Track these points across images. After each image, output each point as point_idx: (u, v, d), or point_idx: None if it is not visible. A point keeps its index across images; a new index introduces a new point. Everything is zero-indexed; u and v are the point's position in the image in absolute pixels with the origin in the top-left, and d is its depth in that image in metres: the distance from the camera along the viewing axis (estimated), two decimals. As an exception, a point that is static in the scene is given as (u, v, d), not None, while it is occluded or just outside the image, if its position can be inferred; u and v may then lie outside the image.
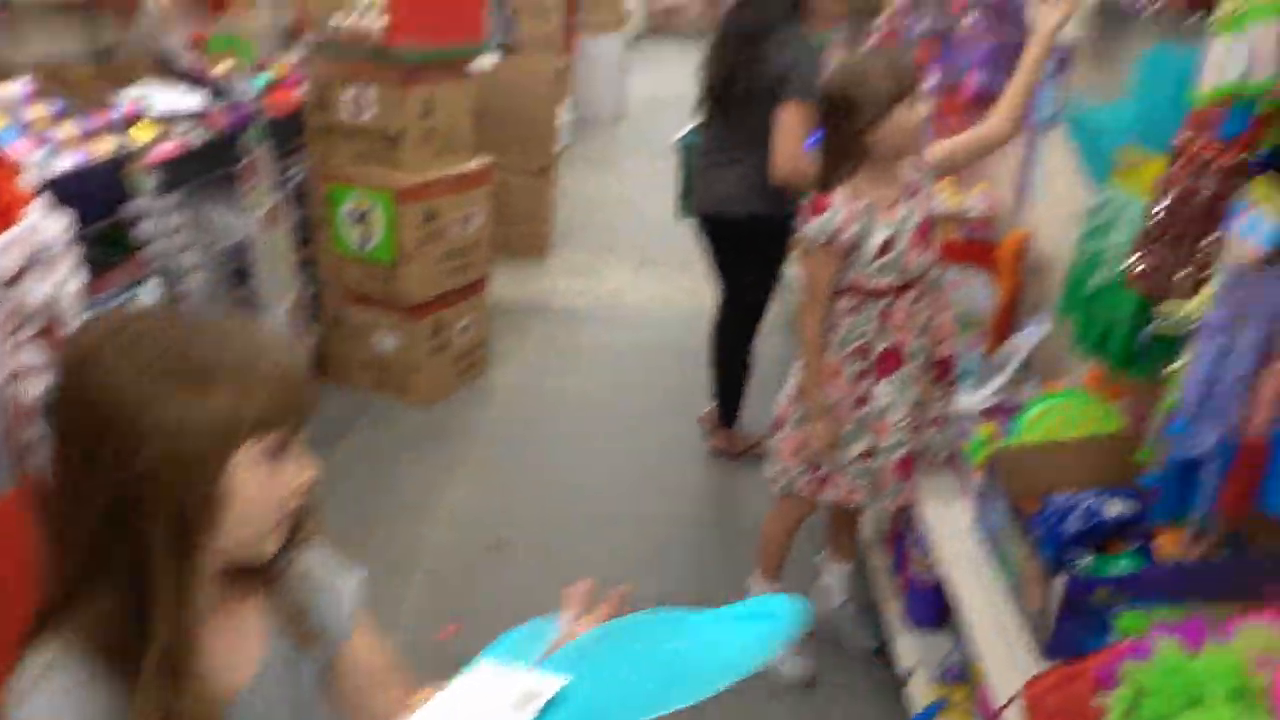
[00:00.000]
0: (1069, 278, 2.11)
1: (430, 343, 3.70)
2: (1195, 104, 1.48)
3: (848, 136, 1.95)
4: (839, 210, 1.96)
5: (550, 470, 3.37)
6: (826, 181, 2.03)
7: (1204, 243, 1.63)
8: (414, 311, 3.62)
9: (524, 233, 5.39)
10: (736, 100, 2.72)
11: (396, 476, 3.28)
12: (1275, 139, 1.45)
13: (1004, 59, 2.97)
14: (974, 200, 3.13)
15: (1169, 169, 1.71)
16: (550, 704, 0.80)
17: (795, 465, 2.19)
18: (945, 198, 3.12)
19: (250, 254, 3.13)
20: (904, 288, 2.04)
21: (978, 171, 3.41)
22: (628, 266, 5.44)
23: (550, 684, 0.82)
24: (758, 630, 0.88)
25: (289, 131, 3.49)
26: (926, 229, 2.04)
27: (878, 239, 1.97)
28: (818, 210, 1.98)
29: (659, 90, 11.25)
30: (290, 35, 4.14)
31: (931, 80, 3.39)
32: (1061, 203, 2.55)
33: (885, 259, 1.99)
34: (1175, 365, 1.59)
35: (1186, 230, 1.66)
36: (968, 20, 3.01)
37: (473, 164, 3.73)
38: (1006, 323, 2.66)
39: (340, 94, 3.46)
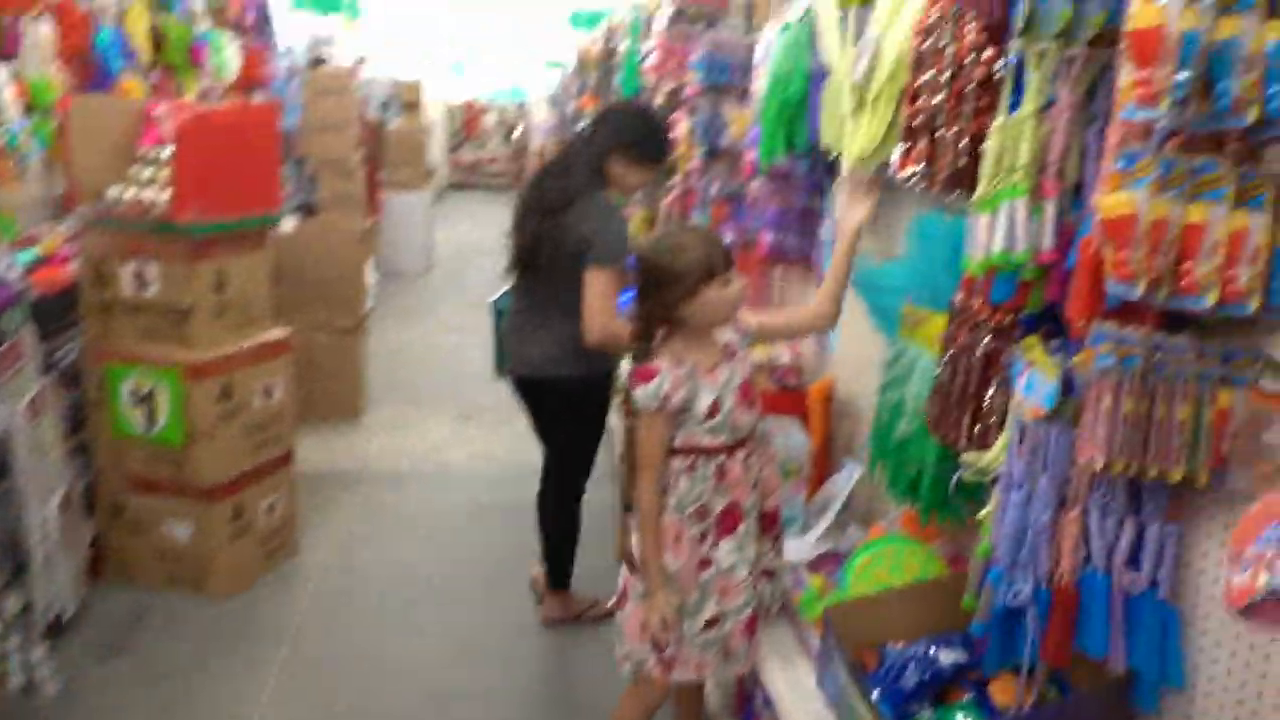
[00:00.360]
0: (875, 427, 2.21)
1: (230, 527, 3.40)
2: (968, 270, 1.61)
3: (664, 306, 2.00)
4: (665, 377, 1.99)
5: (374, 654, 3.10)
6: (645, 348, 2.05)
7: (988, 395, 1.74)
8: (210, 494, 3.32)
9: (335, 394, 5.17)
10: (543, 266, 2.75)
11: (192, 690, 2.90)
12: (1037, 303, 1.59)
13: (791, 220, 3.20)
14: (780, 350, 3.28)
15: (949, 327, 1.84)
16: None
17: (641, 646, 2.11)
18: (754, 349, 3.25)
19: (10, 446, 2.78)
20: (735, 445, 2.07)
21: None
22: (447, 421, 5.30)
23: None
24: None
25: (59, 309, 3.20)
26: (749, 388, 2.10)
27: (705, 401, 2.01)
28: (644, 379, 1.99)
29: (466, 240, 11.39)
30: (61, 207, 3.86)
31: (727, 239, 3.59)
32: (861, 351, 2.71)
33: (714, 420, 2.03)
34: (983, 512, 1.67)
35: (970, 383, 1.78)
36: (756, 184, 3.23)
37: (273, 333, 3.55)
38: (822, 467, 2.75)
39: (120, 269, 3.23)
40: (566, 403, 2.90)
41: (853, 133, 2.10)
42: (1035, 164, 1.50)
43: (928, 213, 2.14)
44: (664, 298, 1.99)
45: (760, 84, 2.59)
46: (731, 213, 3.72)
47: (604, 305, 2.64)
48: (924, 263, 2.14)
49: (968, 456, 1.72)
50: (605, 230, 2.64)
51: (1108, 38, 1.45)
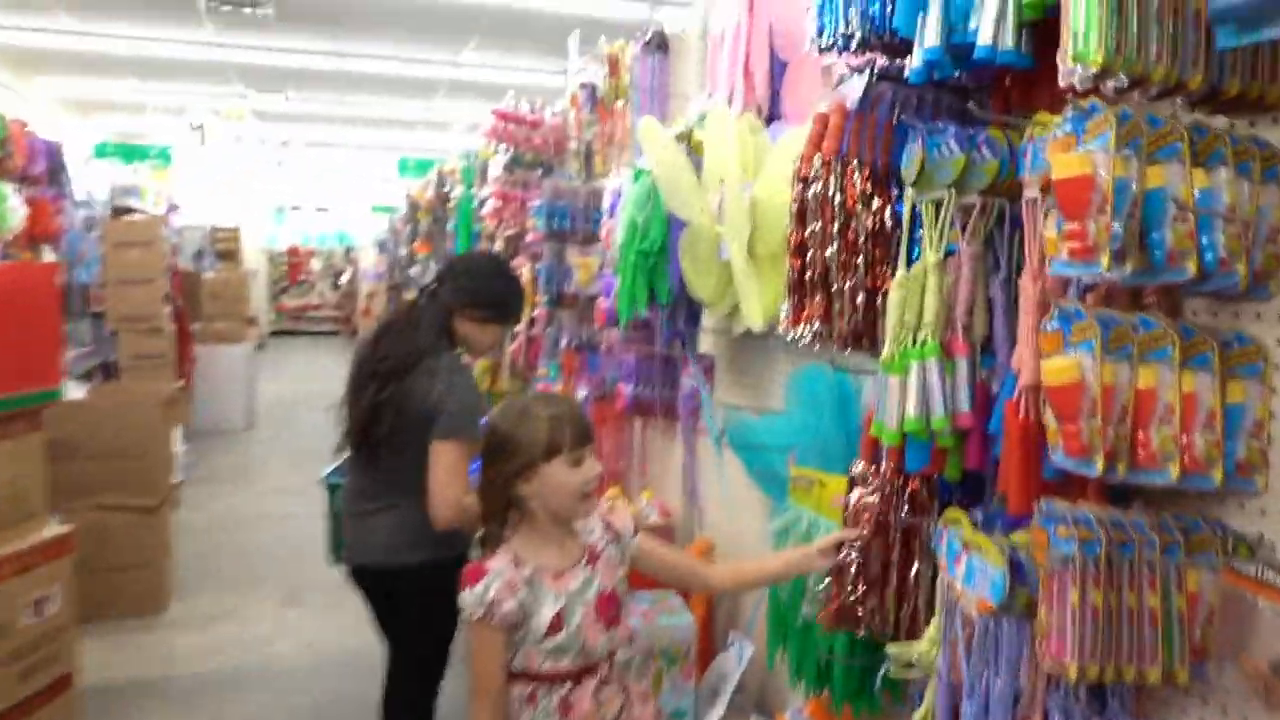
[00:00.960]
0: (772, 606, 1.97)
1: (-12, 780, 2.71)
2: (878, 436, 1.43)
3: (501, 481, 1.68)
4: (495, 579, 1.62)
5: None
6: (495, 532, 1.75)
7: (910, 574, 1.55)
8: (-40, 742, 2.65)
9: (134, 586, 4.45)
10: (384, 440, 2.40)
11: None
12: (955, 472, 1.43)
13: (652, 371, 3.02)
14: (646, 507, 3.04)
15: (853, 498, 1.65)
16: None
17: None
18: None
19: None
20: (584, 671, 1.68)
21: (644, 478, 3.37)
22: (272, 606, 4.66)
23: None
24: None
25: None
26: (610, 603, 1.71)
27: (545, 614, 1.63)
28: (470, 580, 1.64)
29: (293, 392, 10.67)
30: None
31: (581, 392, 3.37)
32: (740, 505, 2.51)
33: (556, 639, 1.63)
34: (920, 715, 1.44)
35: (889, 562, 1.58)
36: (611, 334, 3.06)
37: (51, 529, 2.98)
38: (707, 644, 2.47)
39: None
40: (416, 594, 2.51)
41: (752, 294, 1.94)
42: (941, 319, 1.36)
43: (808, 366, 2.00)
44: (501, 471, 1.67)
45: (615, 232, 2.43)
46: (584, 363, 3.52)
47: (454, 480, 2.33)
48: (809, 419, 1.98)
49: (894, 648, 1.51)
50: (454, 395, 2.35)
51: (1001, 186, 1.36)
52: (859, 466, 1.66)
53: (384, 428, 2.37)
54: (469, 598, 1.64)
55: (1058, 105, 1.34)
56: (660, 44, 3.05)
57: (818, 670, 1.85)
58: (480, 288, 2.52)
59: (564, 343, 3.67)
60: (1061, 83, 1.09)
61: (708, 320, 2.55)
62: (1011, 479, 1.24)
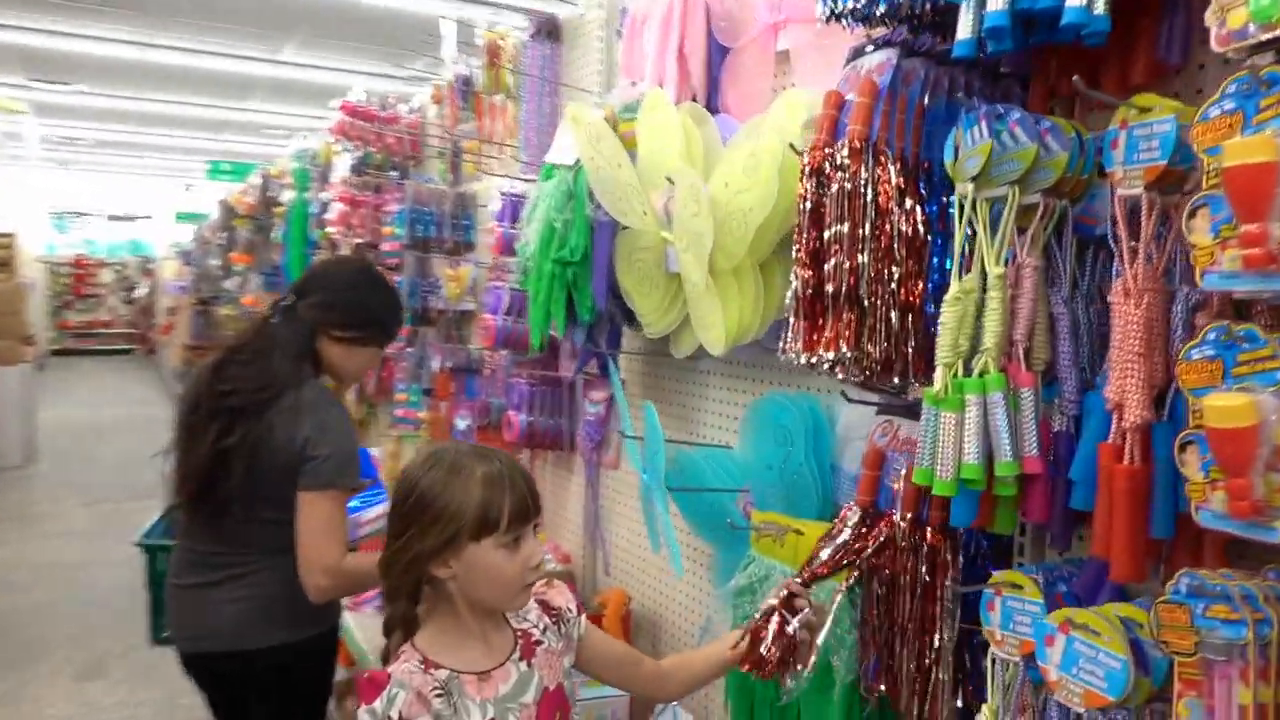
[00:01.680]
0: (732, 678, 1.68)
1: None
2: (925, 485, 1.17)
3: (409, 559, 1.28)
4: (399, 693, 1.23)
5: None
6: (391, 618, 1.35)
7: (940, 640, 1.30)
8: None
9: (-122, 670, 3.60)
10: (234, 495, 1.92)
11: None
12: (1008, 525, 1.20)
13: (550, 398, 2.68)
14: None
15: (868, 548, 1.39)
16: None
17: None
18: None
19: None
20: None
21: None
22: (65, 683, 3.91)
23: None
24: None
25: None
26: (554, 704, 1.35)
27: None
28: (369, 692, 1.24)
29: (82, 420, 9.41)
30: None
31: (463, 420, 2.97)
32: (662, 561, 2.22)
33: None
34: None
35: (910, 623, 1.33)
36: (497, 357, 2.69)
37: None
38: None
39: None
40: (273, 685, 2.03)
41: (713, 313, 1.64)
42: (1002, 343, 1.12)
43: (770, 394, 1.73)
44: (412, 543, 1.26)
45: (526, 239, 2.08)
46: (461, 387, 3.12)
47: (332, 540, 1.89)
48: (773, 455, 1.71)
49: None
50: (327, 436, 1.92)
51: (1065, 184, 1.13)
52: (853, 513, 1.40)
53: (233, 480, 1.90)
54: (367, 717, 1.24)
55: (1127, 87, 1.16)
56: (551, 31, 2.72)
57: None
58: (350, 302, 2.09)
59: (436, 364, 3.24)
60: (1217, 46, 0.87)
61: (630, 341, 2.24)
62: (1115, 539, 1.01)
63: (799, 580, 1.43)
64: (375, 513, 2.34)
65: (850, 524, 1.42)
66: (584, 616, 1.45)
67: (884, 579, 1.36)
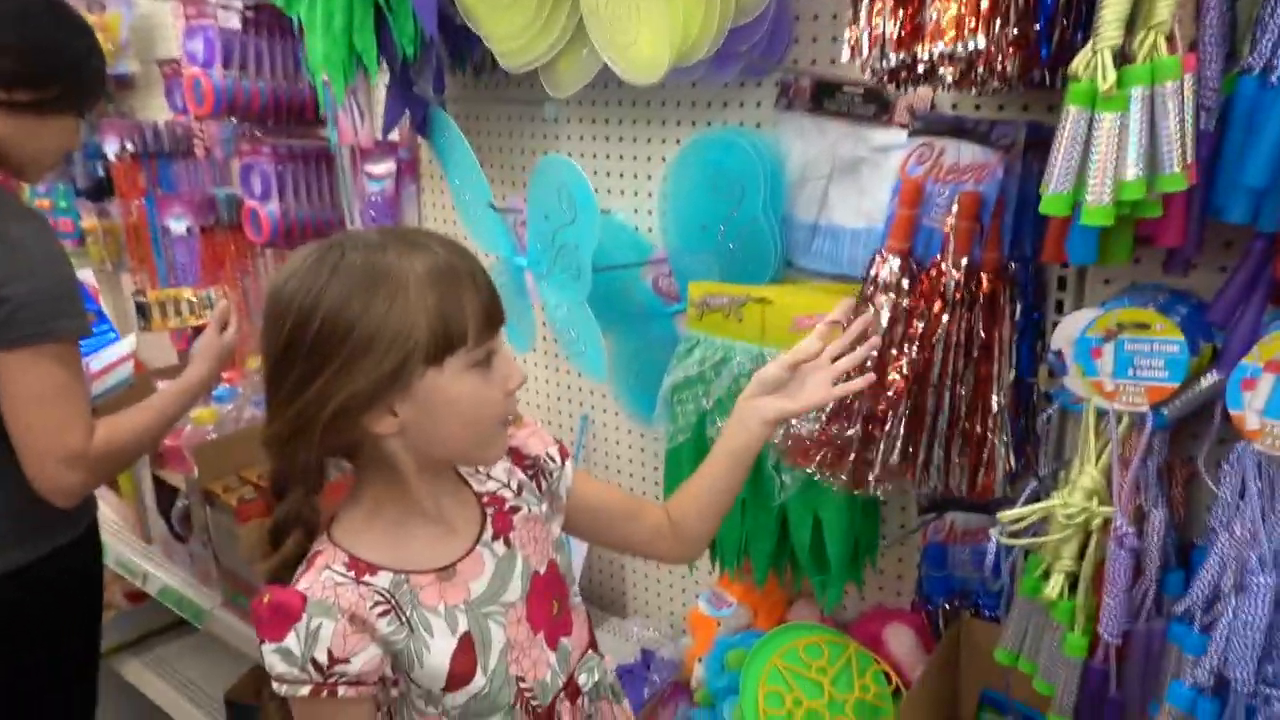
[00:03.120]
0: (673, 460, 1.40)
1: None
2: (1058, 213, 0.90)
3: (321, 420, 0.81)
4: (324, 614, 0.82)
5: None
6: (284, 518, 0.88)
7: (999, 401, 1.10)
8: None
9: None
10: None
11: None
12: (1124, 255, 0.98)
13: (301, 181, 2.06)
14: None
15: (884, 308, 1.12)
16: None
17: None
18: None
19: None
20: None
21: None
22: None
23: None
24: None
25: None
26: (550, 592, 0.98)
27: (441, 652, 0.87)
28: (277, 624, 0.82)
29: None
30: None
31: (179, 220, 2.22)
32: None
33: (471, 688, 0.88)
34: (1066, 598, 1.05)
35: (963, 387, 1.11)
36: (212, 128, 1.97)
37: None
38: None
39: None
40: (7, 622, 1.42)
41: (652, 11, 1.17)
42: (1173, 14, 0.84)
43: (708, 134, 1.34)
44: (333, 394, 0.80)
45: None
46: (155, 177, 2.32)
47: (67, 413, 1.28)
48: (709, 213, 1.36)
49: (1010, 514, 1.07)
50: (25, 268, 1.25)
51: None
52: (884, 266, 1.12)
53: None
54: (279, 660, 0.81)
55: None
56: None
57: (777, 547, 1.37)
58: (22, 43, 1.33)
59: (112, 149, 2.37)
60: None
61: (455, 82, 1.68)
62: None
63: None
64: (108, 359, 1.67)
65: (893, 275, 1.12)
66: (569, 462, 1.05)
67: (929, 341, 1.12)
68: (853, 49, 0.94)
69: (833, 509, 1.27)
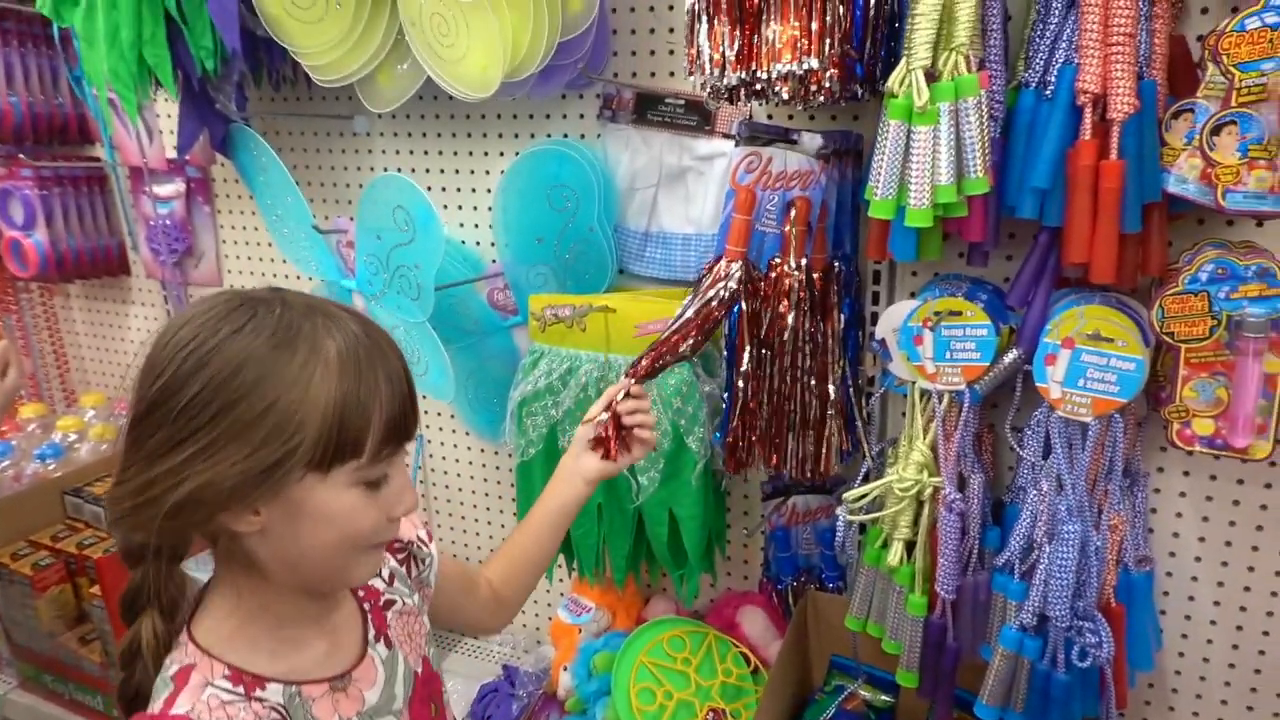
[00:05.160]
0: (525, 474, 1.41)
1: None
2: (885, 216, 0.99)
3: (184, 504, 0.68)
4: None
5: None
6: (128, 603, 0.78)
7: (834, 389, 1.20)
8: None
9: None
10: None
11: None
12: (935, 252, 1.09)
13: (73, 207, 1.87)
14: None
15: (721, 309, 1.19)
16: None
17: None
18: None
19: None
20: None
21: (79, 381, 2.15)
22: None
23: None
24: None
25: None
26: (428, 691, 0.89)
27: None
28: None
29: None
30: None
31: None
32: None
33: None
34: (902, 561, 1.16)
35: (803, 389, 1.20)
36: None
37: None
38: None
39: None
40: None
41: (464, 34, 1.15)
42: (973, 37, 0.95)
43: (540, 148, 1.35)
44: (198, 471, 0.67)
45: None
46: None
47: None
48: (545, 225, 1.37)
49: (854, 493, 1.16)
50: None
51: None
52: (724, 266, 1.18)
53: None
54: None
55: None
56: None
57: (635, 545, 1.40)
58: None
59: None
60: None
61: (255, 96, 1.57)
62: (1100, 242, 0.95)
63: (642, 367, 1.15)
64: None
65: (731, 276, 1.17)
66: (434, 545, 0.98)
67: (767, 339, 1.19)
68: (691, 66, 0.98)
69: (688, 504, 1.33)
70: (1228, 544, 1.15)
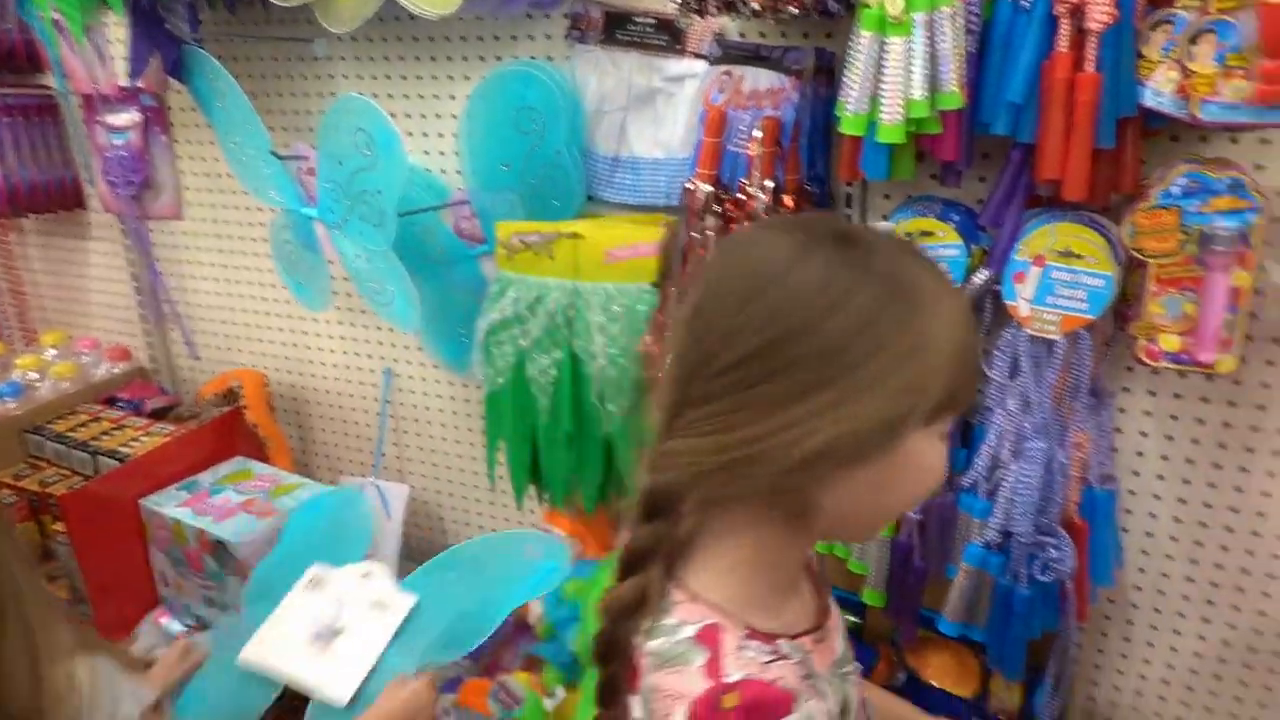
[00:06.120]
0: (493, 404, 1.40)
1: None
2: (856, 132, 0.98)
3: (801, 463, 0.61)
4: (804, 698, 0.65)
5: None
6: (637, 557, 0.69)
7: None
8: None
9: None
10: None
11: None
12: (908, 171, 1.07)
13: (28, 138, 1.81)
14: (90, 357, 1.94)
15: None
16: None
17: None
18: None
19: None
20: None
21: (42, 318, 2.11)
22: None
23: (404, 600, 1.34)
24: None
25: None
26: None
27: None
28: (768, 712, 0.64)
29: None
30: None
31: None
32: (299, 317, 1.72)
33: None
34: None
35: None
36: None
37: None
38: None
39: None
40: None
41: None
42: (942, -58, 0.93)
43: (505, 68, 1.31)
44: (810, 435, 0.60)
45: None
46: None
47: None
48: (510, 151, 1.34)
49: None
50: None
51: None
52: (698, 186, 1.16)
53: None
54: None
55: None
56: None
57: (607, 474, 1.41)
58: None
59: None
60: None
61: (210, 18, 1.51)
62: (1074, 157, 0.94)
63: None
64: None
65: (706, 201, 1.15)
66: None
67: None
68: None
69: (657, 432, 1.32)
70: (1189, 461, 1.16)
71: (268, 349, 1.86)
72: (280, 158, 1.36)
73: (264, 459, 1.73)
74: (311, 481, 1.65)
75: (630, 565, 0.68)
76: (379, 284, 1.36)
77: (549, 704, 1.37)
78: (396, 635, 1.31)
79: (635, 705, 0.68)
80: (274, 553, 1.48)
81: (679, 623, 0.67)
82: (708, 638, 0.66)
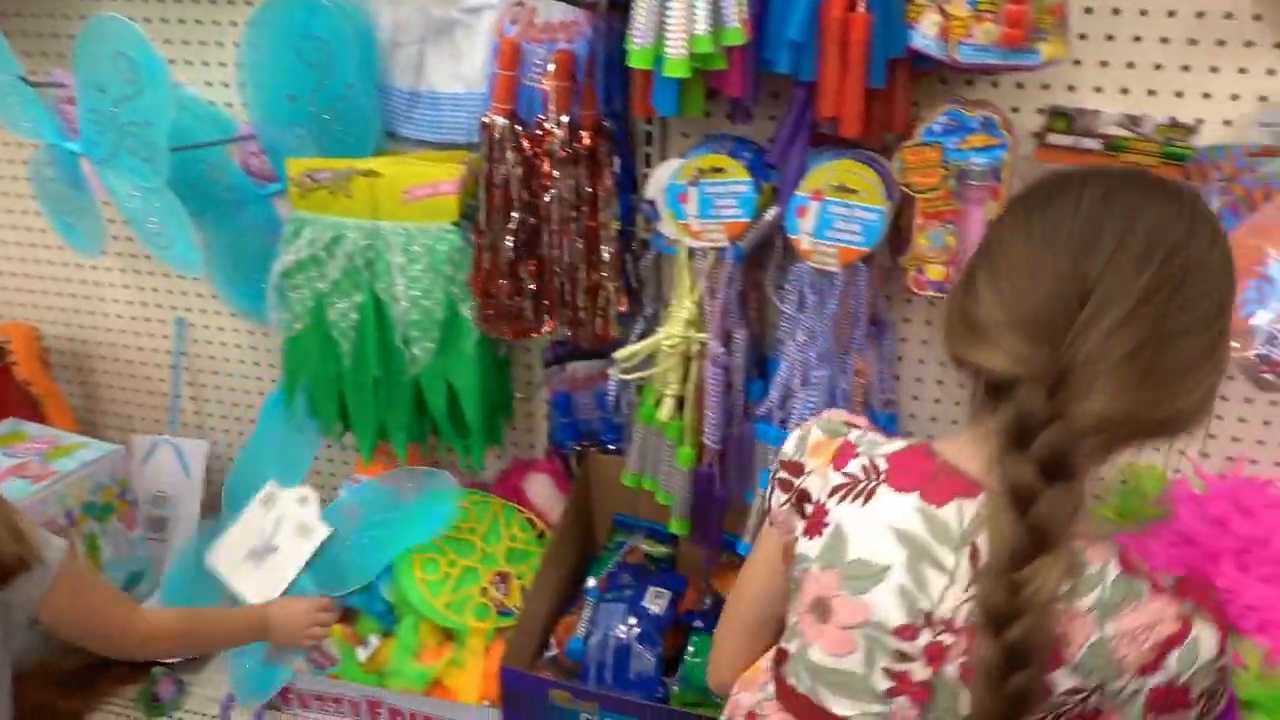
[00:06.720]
0: (293, 350, 1.35)
1: None
2: (643, 66, 0.98)
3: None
4: None
5: None
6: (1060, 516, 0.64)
7: (610, 250, 1.20)
8: None
9: None
10: None
11: None
12: (698, 106, 1.09)
13: None
14: None
15: (493, 170, 1.16)
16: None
17: None
18: None
19: None
20: None
21: None
22: None
23: (322, 530, 1.38)
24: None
25: None
26: None
27: None
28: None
29: None
30: None
31: None
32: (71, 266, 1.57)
33: None
34: (675, 417, 1.21)
35: (579, 239, 1.19)
36: None
37: None
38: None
39: None
40: None
41: None
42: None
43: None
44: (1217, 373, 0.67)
45: None
46: None
47: None
48: (296, 83, 1.26)
49: (624, 352, 1.18)
50: None
51: None
52: (494, 121, 1.13)
53: None
54: None
55: None
56: None
57: (414, 419, 1.38)
58: None
59: None
60: None
61: None
62: (849, 96, 0.98)
63: None
64: None
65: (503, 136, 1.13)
66: None
67: (534, 201, 1.17)
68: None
69: (465, 374, 1.31)
70: (962, 386, 1.26)
71: (40, 299, 1.70)
72: (32, 84, 1.23)
73: (40, 419, 1.59)
74: (96, 441, 1.53)
75: (1045, 538, 0.63)
76: (157, 224, 1.26)
77: (362, 654, 1.35)
78: (309, 562, 1.37)
79: (1062, 677, 0.65)
80: (250, 444, 1.54)
81: (1101, 567, 0.66)
82: (1129, 565, 0.67)
